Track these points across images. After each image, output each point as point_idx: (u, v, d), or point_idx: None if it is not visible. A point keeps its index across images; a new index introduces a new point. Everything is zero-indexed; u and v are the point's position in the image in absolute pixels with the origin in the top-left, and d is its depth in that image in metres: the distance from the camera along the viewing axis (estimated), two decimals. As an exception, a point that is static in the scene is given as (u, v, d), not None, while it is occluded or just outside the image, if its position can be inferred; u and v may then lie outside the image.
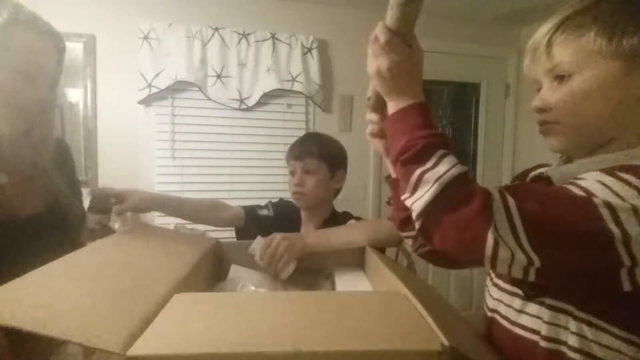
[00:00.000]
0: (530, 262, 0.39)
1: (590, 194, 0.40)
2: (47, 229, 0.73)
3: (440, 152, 0.45)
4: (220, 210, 1.13)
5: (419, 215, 0.45)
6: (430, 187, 0.43)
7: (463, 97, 2.47)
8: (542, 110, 0.53)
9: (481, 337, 0.57)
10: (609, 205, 0.38)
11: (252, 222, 1.13)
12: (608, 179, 0.41)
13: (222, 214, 1.12)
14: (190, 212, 1.06)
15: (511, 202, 0.40)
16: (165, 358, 0.34)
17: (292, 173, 1.14)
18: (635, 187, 0.39)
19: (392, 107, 0.52)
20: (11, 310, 0.36)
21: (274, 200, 1.25)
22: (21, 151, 0.72)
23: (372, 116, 0.62)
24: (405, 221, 0.65)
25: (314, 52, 2.09)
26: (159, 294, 0.46)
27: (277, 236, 0.81)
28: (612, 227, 0.37)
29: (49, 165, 0.77)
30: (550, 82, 0.52)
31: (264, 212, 1.17)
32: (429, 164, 0.44)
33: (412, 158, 0.46)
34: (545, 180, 0.52)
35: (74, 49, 1.86)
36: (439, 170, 0.43)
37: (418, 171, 0.45)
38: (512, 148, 2.48)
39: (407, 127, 0.48)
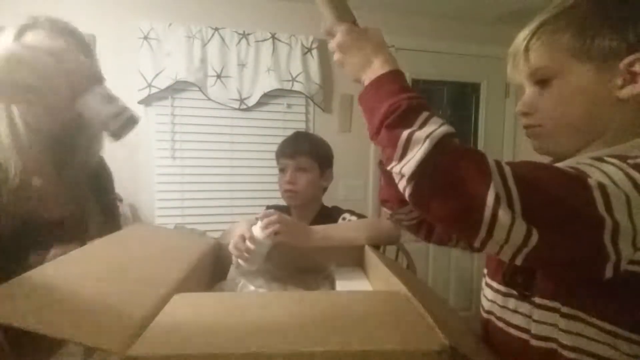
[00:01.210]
0: (529, 233, 0.37)
1: (583, 173, 0.40)
2: (66, 235, 0.71)
3: (426, 113, 0.42)
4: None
5: (411, 178, 0.41)
6: (422, 145, 0.40)
7: (463, 97, 2.47)
8: (525, 114, 0.54)
9: (479, 338, 0.57)
10: (601, 187, 0.37)
11: None
12: (598, 163, 0.41)
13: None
14: None
15: (506, 168, 0.39)
16: (165, 358, 0.33)
17: (282, 171, 1.16)
18: (623, 170, 0.39)
19: (366, 83, 0.49)
20: (11, 308, 0.36)
21: (259, 212, 1.24)
22: (52, 154, 0.73)
23: None
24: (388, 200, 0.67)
25: (314, 52, 2.09)
26: (158, 294, 0.46)
27: (288, 219, 0.80)
28: (603, 211, 0.37)
29: (79, 173, 0.76)
30: (531, 86, 0.53)
31: None
32: (416, 125, 0.41)
33: (397, 120, 0.42)
34: None
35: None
36: (428, 129, 0.40)
37: (405, 133, 0.41)
38: (512, 148, 2.48)
39: (385, 94, 0.45)
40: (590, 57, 0.47)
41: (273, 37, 2.04)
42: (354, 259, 0.84)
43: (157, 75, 1.90)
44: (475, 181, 0.38)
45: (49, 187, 0.73)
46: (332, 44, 0.53)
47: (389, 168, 0.44)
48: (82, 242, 0.73)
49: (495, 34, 2.34)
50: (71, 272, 0.49)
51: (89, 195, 0.79)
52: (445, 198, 0.39)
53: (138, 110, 1.96)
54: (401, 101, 0.43)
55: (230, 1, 2.06)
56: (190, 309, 0.44)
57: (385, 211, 0.71)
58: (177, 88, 1.96)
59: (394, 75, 0.47)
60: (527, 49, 0.52)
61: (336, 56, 0.53)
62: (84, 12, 1.89)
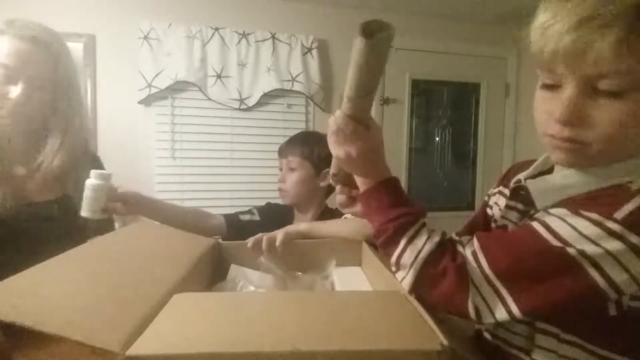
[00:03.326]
0: (512, 316, 0.40)
1: (564, 243, 0.39)
2: (58, 215, 0.82)
3: (411, 232, 0.47)
4: (203, 219, 1.07)
5: (410, 292, 0.47)
6: (408, 272, 0.46)
7: (463, 97, 2.47)
8: (572, 125, 0.41)
9: (473, 340, 0.56)
10: (583, 254, 0.38)
11: (234, 230, 1.09)
12: (575, 221, 0.40)
13: (204, 223, 1.06)
14: (174, 221, 0.94)
15: (484, 262, 0.42)
16: (165, 358, 0.34)
17: (280, 170, 1.19)
18: (601, 226, 0.38)
19: (361, 185, 0.54)
20: (11, 306, 0.36)
21: (259, 205, 1.24)
22: (33, 147, 0.84)
23: (340, 189, 0.63)
24: None
25: (314, 52, 2.09)
26: (158, 294, 0.46)
27: (266, 234, 0.82)
28: (594, 274, 0.37)
29: (64, 161, 0.85)
30: (584, 88, 0.40)
31: (247, 217, 1.16)
32: (400, 247, 0.47)
33: (386, 243, 0.49)
34: (525, 191, 0.51)
35: (74, 49, 1.84)
36: (412, 254, 0.46)
37: (394, 256, 0.47)
38: (512, 148, 2.48)
39: (377, 207, 0.50)
40: None
41: (273, 37, 2.04)
42: (353, 259, 0.84)
43: (157, 75, 1.90)
44: (456, 296, 0.43)
45: (33, 174, 0.83)
46: (355, 147, 0.49)
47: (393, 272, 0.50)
48: (72, 219, 0.83)
49: (495, 34, 2.34)
50: (71, 271, 0.49)
51: (76, 180, 0.86)
52: (440, 306, 0.45)
53: (138, 110, 1.97)
54: (388, 223, 0.48)
55: (230, 1, 2.06)
56: (190, 309, 0.44)
57: None
58: (177, 88, 1.96)
59: (388, 186, 0.51)
60: (619, 45, 0.35)
61: (352, 152, 0.49)
62: (84, 12, 1.89)
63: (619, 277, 0.37)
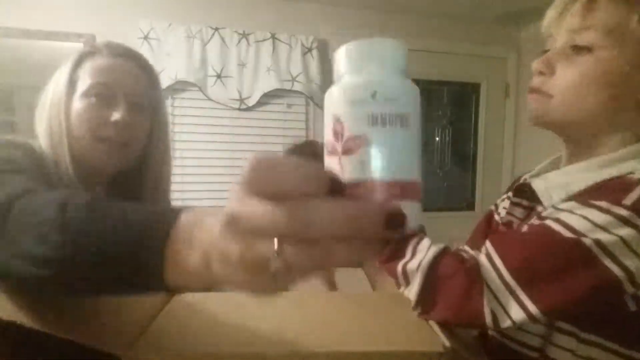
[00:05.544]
0: (530, 315, 0.38)
1: (578, 234, 0.38)
2: None
3: (414, 241, 0.46)
4: None
5: (416, 304, 0.45)
6: (416, 277, 0.44)
7: (463, 97, 2.47)
8: (541, 73, 0.46)
9: (475, 340, 0.56)
10: (598, 243, 0.37)
11: None
12: (586, 211, 0.40)
13: None
14: None
15: (499, 262, 0.40)
16: (165, 358, 0.33)
17: None
18: (612, 214, 0.38)
19: None
20: (10, 305, 0.36)
21: None
22: (118, 172, 0.73)
23: None
24: None
25: (314, 52, 2.09)
26: (159, 294, 0.46)
27: None
28: (609, 264, 0.36)
29: (140, 188, 0.78)
30: (563, 48, 0.45)
31: None
32: (406, 256, 0.45)
33: (390, 258, 0.47)
34: (528, 189, 0.51)
35: (74, 49, 1.86)
36: (418, 259, 0.44)
37: (400, 266, 0.45)
38: (512, 148, 2.48)
39: None
40: None
41: (273, 37, 2.03)
42: (354, 259, 0.84)
43: (157, 75, 1.90)
44: (469, 300, 0.40)
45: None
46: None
47: (402, 291, 0.47)
48: None
49: (495, 34, 2.34)
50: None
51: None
52: (451, 316, 0.42)
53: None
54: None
55: (230, 1, 2.06)
56: (190, 309, 0.43)
57: None
58: (177, 88, 1.96)
59: None
60: (588, 4, 0.42)
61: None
62: (84, 12, 1.88)
63: (631, 263, 0.36)
